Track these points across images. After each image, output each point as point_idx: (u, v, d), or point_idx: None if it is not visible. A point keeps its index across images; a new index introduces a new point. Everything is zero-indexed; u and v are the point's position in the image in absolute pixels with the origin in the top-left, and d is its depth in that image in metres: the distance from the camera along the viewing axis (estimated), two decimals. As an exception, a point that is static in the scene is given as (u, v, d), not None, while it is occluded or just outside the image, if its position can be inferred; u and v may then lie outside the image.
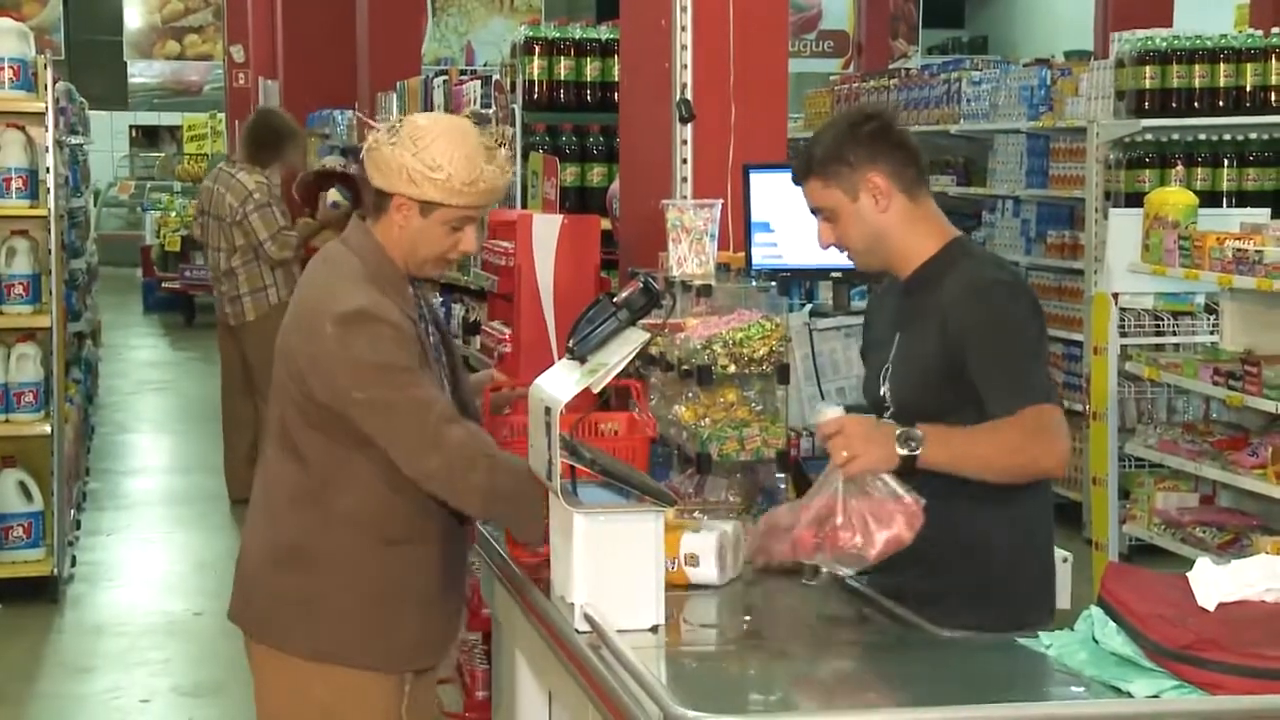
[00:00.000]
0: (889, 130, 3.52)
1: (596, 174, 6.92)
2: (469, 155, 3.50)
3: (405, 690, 3.68)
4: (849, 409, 4.28)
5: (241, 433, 9.24)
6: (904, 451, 3.20)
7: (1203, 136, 8.70)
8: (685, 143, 5.01)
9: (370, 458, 3.51)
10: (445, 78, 8.80)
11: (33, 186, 7.31)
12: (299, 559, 3.58)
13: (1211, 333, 7.37)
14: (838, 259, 3.70)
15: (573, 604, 3.18)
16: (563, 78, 7.12)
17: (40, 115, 7.37)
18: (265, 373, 9.16)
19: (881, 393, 3.57)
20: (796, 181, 3.60)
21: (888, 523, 3.14)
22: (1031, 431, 3.28)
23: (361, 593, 3.57)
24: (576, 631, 3.16)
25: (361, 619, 3.58)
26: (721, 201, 4.46)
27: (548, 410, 3.25)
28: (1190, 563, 2.97)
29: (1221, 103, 8.50)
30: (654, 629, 3.17)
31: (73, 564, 7.89)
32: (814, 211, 3.57)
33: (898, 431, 3.22)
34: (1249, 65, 8.49)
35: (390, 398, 3.44)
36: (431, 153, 3.47)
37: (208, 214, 9.20)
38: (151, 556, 8.60)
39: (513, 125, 6.94)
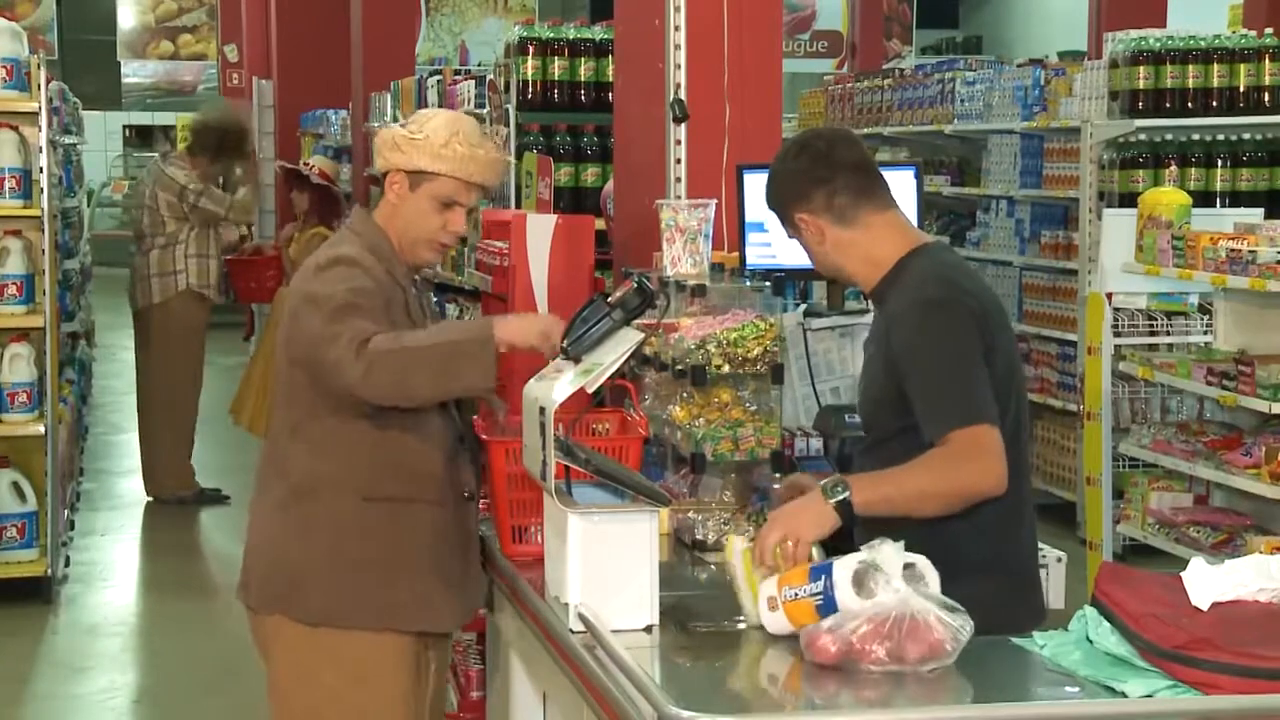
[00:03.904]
0: (817, 161, 3.49)
1: (591, 174, 6.92)
2: (452, 126, 3.65)
3: (418, 660, 3.72)
4: (835, 409, 4.26)
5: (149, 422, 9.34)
6: (834, 500, 3.20)
7: (1196, 137, 8.70)
8: (679, 143, 5.01)
9: (347, 419, 3.59)
10: (439, 77, 8.79)
11: (26, 186, 7.30)
12: (289, 523, 3.66)
13: (1205, 333, 7.37)
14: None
15: (567, 604, 3.18)
16: (557, 78, 7.11)
17: (34, 115, 7.37)
18: (167, 358, 9.26)
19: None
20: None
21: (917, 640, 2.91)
22: (962, 455, 3.27)
23: (350, 552, 3.63)
24: (571, 632, 3.16)
25: (353, 579, 3.64)
26: (716, 201, 4.46)
27: (542, 410, 3.25)
28: (1184, 562, 2.98)
29: (1215, 103, 8.50)
30: (648, 629, 3.17)
31: (67, 564, 7.87)
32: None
33: (822, 483, 3.25)
34: (1242, 65, 8.50)
35: (326, 329, 3.50)
36: (419, 123, 3.68)
37: (142, 207, 9.31)
38: (145, 556, 8.58)
39: (507, 125, 6.94)
